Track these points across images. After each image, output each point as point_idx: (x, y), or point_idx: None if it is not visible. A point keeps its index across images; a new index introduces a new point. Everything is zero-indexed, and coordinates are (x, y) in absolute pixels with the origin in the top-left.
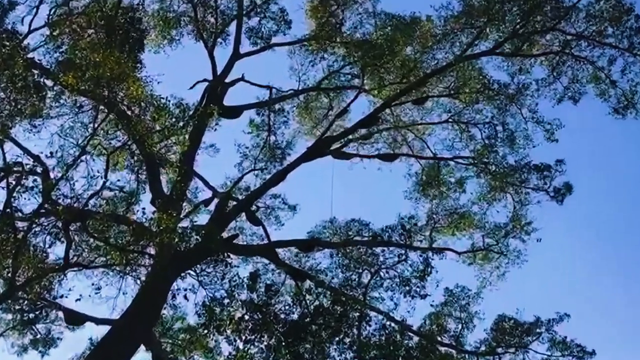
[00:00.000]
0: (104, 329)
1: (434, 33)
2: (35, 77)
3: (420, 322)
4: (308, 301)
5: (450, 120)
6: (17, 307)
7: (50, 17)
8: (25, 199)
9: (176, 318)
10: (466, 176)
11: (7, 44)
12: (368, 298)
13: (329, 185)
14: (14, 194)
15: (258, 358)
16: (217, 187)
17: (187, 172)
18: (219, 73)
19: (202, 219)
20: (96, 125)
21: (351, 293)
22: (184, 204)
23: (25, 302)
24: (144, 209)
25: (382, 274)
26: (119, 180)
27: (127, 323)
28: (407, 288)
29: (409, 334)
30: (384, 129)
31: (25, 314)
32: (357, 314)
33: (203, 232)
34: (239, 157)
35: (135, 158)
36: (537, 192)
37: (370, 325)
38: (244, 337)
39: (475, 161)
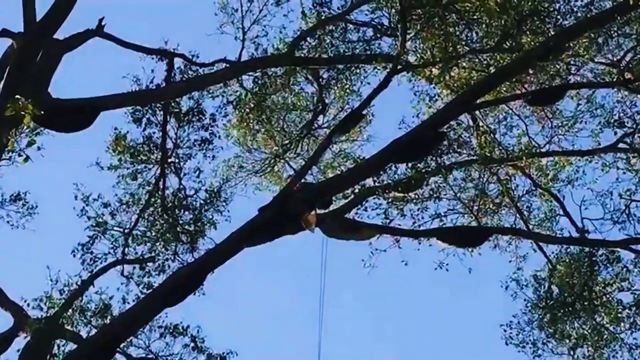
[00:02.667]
0: None
1: None
2: None
3: None
4: None
5: (624, 146)
6: None
7: None
8: None
9: None
10: None
11: None
12: None
13: (312, 301)
14: None
15: None
16: (26, 306)
17: None
18: (39, 18)
19: None
20: None
21: None
22: None
23: None
24: None
25: None
26: None
27: None
28: None
29: None
30: (453, 165)
31: None
32: None
33: None
34: (85, 230)
35: None
36: None
37: None
38: None
39: None
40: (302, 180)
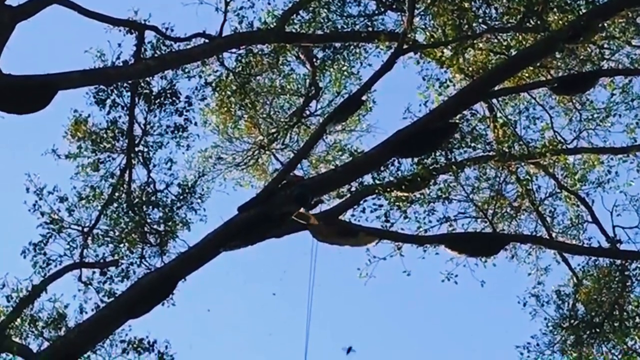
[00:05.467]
0: None
1: None
2: None
3: None
4: None
5: None
6: None
7: None
8: None
9: None
10: None
11: None
12: None
13: (299, 314)
14: None
15: None
16: None
17: None
18: None
19: None
20: None
21: None
22: None
23: None
24: None
25: None
26: None
27: None
28: None
29: None
30: (465, 161)
31: None
32: None
33: None
34: (37, 228)
35: None
36: None
37: None
38: None
39: None
40: (291, 175)
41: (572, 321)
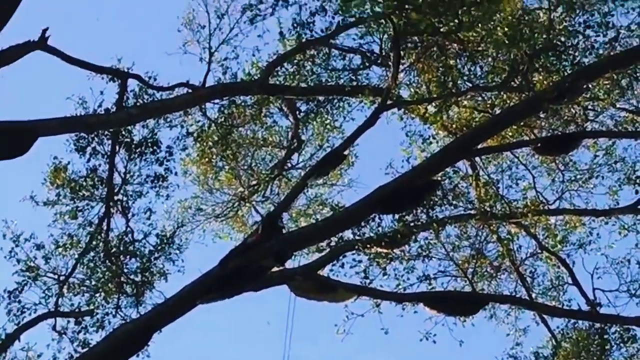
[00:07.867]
0: None
1: None
2: None
3: None
4: None
5: None
6: None
7: None
8: None
9: None
10: None
11: None
12: None
13: None
14: None
15: None
16: None
17: None
18: None
19: None
20: None
21: None
22: None
23: None
24: None
25: None
26: None
27: None
28: None
29: None
30: (447, 219)
31: None
32: None
33: None
34: (13, 275)
35: None
36: None
37: None
38: None
39: None
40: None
41: None
